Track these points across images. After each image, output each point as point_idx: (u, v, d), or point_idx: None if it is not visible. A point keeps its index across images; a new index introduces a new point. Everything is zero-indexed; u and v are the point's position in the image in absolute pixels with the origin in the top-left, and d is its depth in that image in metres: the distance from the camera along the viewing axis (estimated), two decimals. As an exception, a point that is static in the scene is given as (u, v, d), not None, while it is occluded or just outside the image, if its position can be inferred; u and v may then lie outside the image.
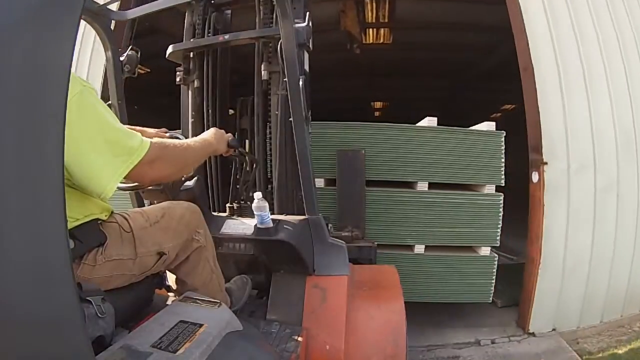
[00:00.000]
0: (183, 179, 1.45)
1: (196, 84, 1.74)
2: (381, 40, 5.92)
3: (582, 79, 2.68)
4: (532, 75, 2.67)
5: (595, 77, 2.68)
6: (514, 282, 3.04)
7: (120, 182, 1.06)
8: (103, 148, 0.85)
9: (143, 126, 1.24)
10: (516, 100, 8.78)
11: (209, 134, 1.21)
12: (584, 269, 2.68)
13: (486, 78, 6.99)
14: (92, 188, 0.87)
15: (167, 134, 1.35)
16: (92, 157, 0.85)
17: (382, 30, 5.66)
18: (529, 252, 2.77)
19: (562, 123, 2.66)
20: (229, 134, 1.27)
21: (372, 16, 5.14)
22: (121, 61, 1.60)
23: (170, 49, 1.71)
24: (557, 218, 2.66)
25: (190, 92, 1.78)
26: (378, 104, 11.04)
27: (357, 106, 9.71)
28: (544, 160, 2.64)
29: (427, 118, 2.77)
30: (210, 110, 1.74)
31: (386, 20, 5.20)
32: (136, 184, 1.37)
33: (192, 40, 1.73)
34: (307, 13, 1.54)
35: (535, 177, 2.70)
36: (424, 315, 2.77)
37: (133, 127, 1.17)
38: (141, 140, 0.90)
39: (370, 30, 5.61)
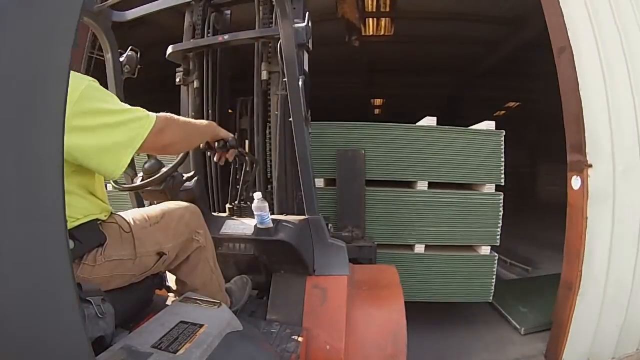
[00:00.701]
0: (183, 179, 1.46)
1: (196, 84, 1.74)
2: (382, 32, 5.56)
3: (623, 60, 2.21)
4: (570, 58, 2.19)
5: (636, 57, 2.22)
6: (535, 301, 2.87)
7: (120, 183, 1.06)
8: (115, 132, 0.91)
9: None
10: (520, 97, 8.63)
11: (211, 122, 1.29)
12: (626, 293, 2.27)
13: (491, 74, 6.75)
14: (108, 166, 0.92)
15: None
16: (107, 140, 0.90)
17: (382, 21, 5.32)
18: (564, 275, 2.32)
19: (606, 115, 2.19)
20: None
21: (372, 4, 4.82)
22: (121, 62, 1.60)
23: (169, 50, 1.71)
24: (601, 233, 2.20)
25: (189, 93, 1.78)
26: (378, 102, 10.52)
27: (355, 104, 9.43)
28: (589, 162, 2.17)
29: (427, 117, 2.77)
30: (210, 111, 1.74)
31: (387, 9, 4.89)
32: (137, 184, 1.38)
33: (191, 40, 1.73)
34: (307, 13, 1.54)
35: (576, 182, 2.21)
36: (436, 346, 2.50)
37: None
38: (148, 114, 0.96)
39: (370, 20, 5.28)
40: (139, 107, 0.97)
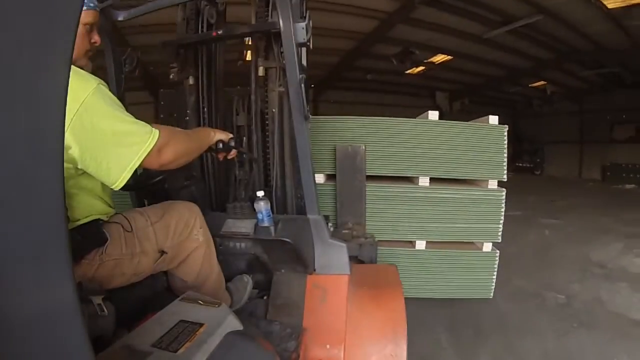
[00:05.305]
0: (183, 178, 1.46)
1: (190, 81, 1.71)
2: None
3: None
4: None
5: None
6: None
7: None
8: (118, 140, 0.91)
9: None
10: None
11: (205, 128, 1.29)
12: None
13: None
14: (109, 178, 0.92)
15: None
16: (109, 149, 0.90)
17: None
18: None
19: None
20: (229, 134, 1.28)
21: None
22: (121, 61, 1.60)
23: (162, 46, 1.69)
24: None
25: (184, 90, 1.75)
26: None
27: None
28: None
29: (429, 112, 2.75)
30: (205, 109, 1.71)
31: None
32: (137, 183, 1.38)
33: (185, 35, 1.70)
34: (307, 11, 1.51)
35: None
36: None
37: None
38: (151, 130, 0.95)
39: None
40: (144, 123, 0.96)
